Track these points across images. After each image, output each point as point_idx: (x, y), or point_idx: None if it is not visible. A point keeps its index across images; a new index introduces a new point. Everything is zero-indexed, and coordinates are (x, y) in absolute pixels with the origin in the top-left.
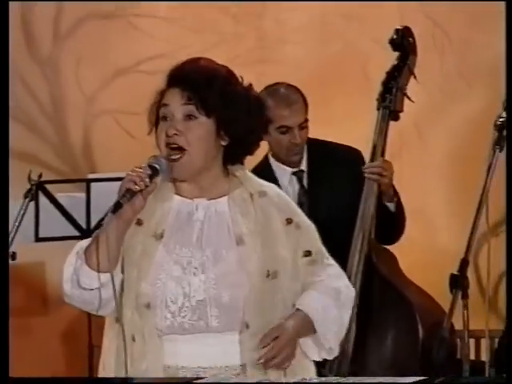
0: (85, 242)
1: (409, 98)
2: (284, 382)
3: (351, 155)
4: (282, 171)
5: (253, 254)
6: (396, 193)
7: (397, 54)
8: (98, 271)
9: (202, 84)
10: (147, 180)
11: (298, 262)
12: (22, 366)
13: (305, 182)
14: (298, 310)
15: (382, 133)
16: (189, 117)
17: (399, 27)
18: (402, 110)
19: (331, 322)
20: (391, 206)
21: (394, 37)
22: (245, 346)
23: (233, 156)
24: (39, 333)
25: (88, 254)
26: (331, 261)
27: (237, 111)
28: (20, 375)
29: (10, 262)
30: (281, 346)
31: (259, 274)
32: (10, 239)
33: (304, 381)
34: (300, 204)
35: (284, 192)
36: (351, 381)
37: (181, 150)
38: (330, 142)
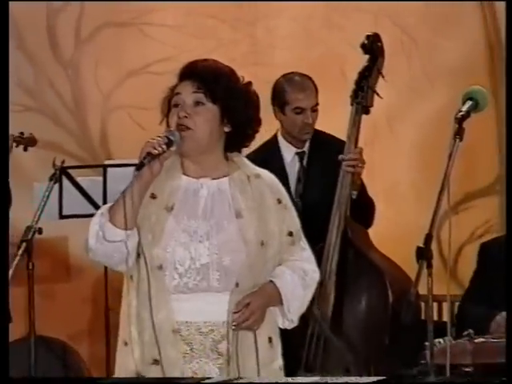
0: (107, 206)
1: (378, 95)
2: (284, 381)
3: (343, 147)
4: (288, 150)
5: (250, 225)
6: (362, 184)
7: (367, 56)
8: (122, 227)
9: (209, 77)
10: (164, 147)
11: (282, 239)
12: (48, 326)
13: (305, 162)
14: (271, 281)
15: (355, 125)
16: (197, 103)
17: (369, 33)
18: (372, 105)
19: (296, 299)
20: (354, 193)
21: (365, 42)
22: (233, 301)
23: (233, 143)
24: (62, 297)
25: (112, 213)
26: (306, 245)
27: (238, 102)
28: (46, 334)
29: (37, 236)
30: (251, 311)
31: (255, 242)
32: (36, 217)
33: (300, 381)
34: (298, 179)
35: (287, 168)
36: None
37: (183, 128)
38: (329, 134)
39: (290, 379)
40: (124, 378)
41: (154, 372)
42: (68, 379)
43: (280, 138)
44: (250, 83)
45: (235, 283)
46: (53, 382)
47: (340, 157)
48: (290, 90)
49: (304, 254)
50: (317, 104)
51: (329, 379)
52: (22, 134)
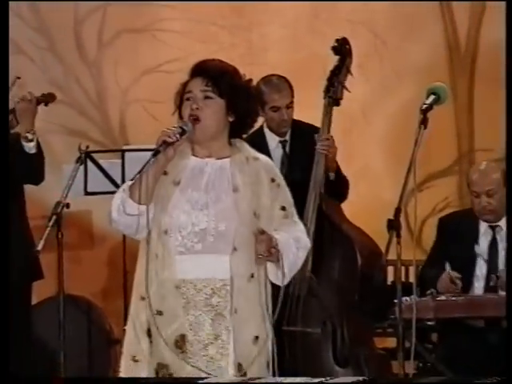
0: (128, 184)
1: (347, 89)
2: (274, 382)
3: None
4: (272, 138)
5: (244, 198)
6: (338, 166)
7: (337, 57)
8: (138, 203)
9: (217, 75)
10: (178, 136)
11: (275, 212)
12: (74, 286)
13: (287, 149)
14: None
15: (327, 115)
16: (207, 97)
17: (338, 37)
18: (342, 98)
19: (290, 259)
20: (331, 175)
21: (335, 44)
22: (232, 263)
23: (235, 131)
24: (87, 262)
25: (132, 190)
26: (298, 219)
27: (241, 96)
28: (73, 293)
29: (65, 210)
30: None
31: (248, 213)
32: (65, 194)
33: (300, 381)
34: (282, 163)
35: (272, 153)
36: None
37: (196, 120)
38: (308, 123)
39: (289, 379)
40: (125, 378)
41: (158, 321)
42: (70, 379)
43: (265, 129)
44: (250, 80)
45: (233, 248)
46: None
47: (315, 136)
48: (267, 92)
49: (297, 226)
50: (291, 102)
51: (324, 380)
52: (43, 94)
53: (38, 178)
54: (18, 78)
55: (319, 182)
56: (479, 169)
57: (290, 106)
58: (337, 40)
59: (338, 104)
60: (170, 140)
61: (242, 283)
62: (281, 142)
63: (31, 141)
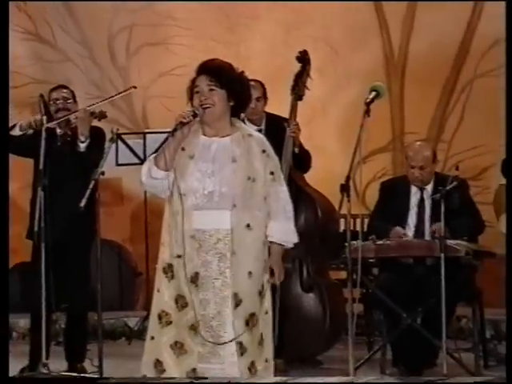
0: (154, 155)
1: (307, 88)
2: (272, 382)
3: (287, 122)
4: (251, 127)
5: (240, 167)
6: (301, 143)
7: (300, 64)
8: (161, 169)
9: (217, 70)
10: (191, 117)
11: (266, 176)
12: (109, 233)
13: (262, 134)
14: (271, 242)
15: (293, 108)
16: (211, 89)
17: (301, 50)
18: (304, 94)
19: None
20: (296, 149)
21: (299, 55)
22: (233, 217)
23: (235, 112)
24: (118, 215)
25: (156, 160)
26: (283, 181)
27: (237, 86)
28: (107, 238)
29: (102, 176)
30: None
31: (245, 177)
32: (101, 165)
33: (300, 381)
34: None
35: None
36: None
37: (205, 108)
38: (278, 115)
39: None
40: (126, 378)
41: (178, 263)
42: (69, 379)
43: (246, 120)
44: (243, 72)
45: (233, 204)
46: (52, 381)
47: (285, 124)
48: None
49: (282, 187)
50: (260, 96)
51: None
52: (100, 111)
53: (85, 169)
54: (135, 87)
55: (289, 157)
56: (415, 147)
57: (259, 100)
58: (300, 52)
59: (301, 99)
60: (184, 120)
61: (240, 232)
62: (258, 130)
63: (83, 142)
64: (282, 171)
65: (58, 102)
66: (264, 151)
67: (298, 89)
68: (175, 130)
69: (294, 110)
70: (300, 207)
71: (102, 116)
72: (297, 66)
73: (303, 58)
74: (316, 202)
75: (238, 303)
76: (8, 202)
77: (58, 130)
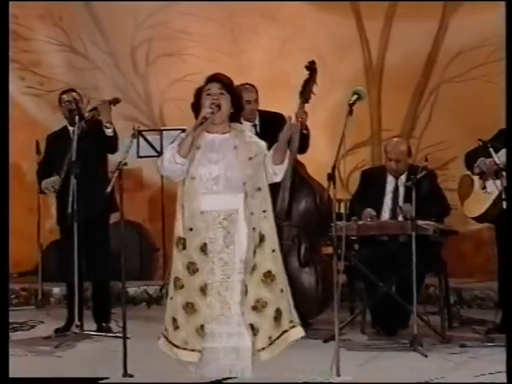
0: (175, 144)
1: (313, 93)
2: (269, 382)
3: (280, 118)
4: (246, 123)
5: (240, 152)
6: (306, 125)
7: (307, 72)
8: (183, 156)
9: (225, 80)
10: (211, 114)
11: (261, 156)
12: (131, 214)
13: (258, 129)
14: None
15: (301, 107)
16: (221, 93)
17: (309, 60)
18: (310, 98)
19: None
20: (305, 131)
21: (307, 64)
22: (238, 199)
23: (234, 118)
24: (139, 199)
25: (180, 147)
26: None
27: (236, 96)
28: (130, 219)
29: (125, 167)
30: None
31: (246, 159)
32: (124, 157)
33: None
34: None
35: None
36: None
37: (218, 107)
38: (270, 111)
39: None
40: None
41: (189, 236)
42: (69, 380)
43: (242, 120)
44: (237, 86)
45: (243, 183)
46: (52, 382)
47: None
48: (243, 92)
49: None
50: (256, 98)
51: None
52: (113, 98)
53: (114, 150)
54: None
55: (294, 150)
56: (392, 143)
57: (256, 101)
58: (308, 62)
59: (307, 102)
60: (208, 116)
61: (242, 211)
62: (253, 125)
63: (109, 128)
64: (289, 163)
65: (69, 103)
66: (255, 142)
67: (306, 93)
68: (201, 123)
69: (302, 109)
70: (302, 193)
71: (116, 102)
72: (290, 75)
73: (311, 67)
74: (315, 190)
75: (253, 268)
76: (8, 202)
77: (72, 128)
